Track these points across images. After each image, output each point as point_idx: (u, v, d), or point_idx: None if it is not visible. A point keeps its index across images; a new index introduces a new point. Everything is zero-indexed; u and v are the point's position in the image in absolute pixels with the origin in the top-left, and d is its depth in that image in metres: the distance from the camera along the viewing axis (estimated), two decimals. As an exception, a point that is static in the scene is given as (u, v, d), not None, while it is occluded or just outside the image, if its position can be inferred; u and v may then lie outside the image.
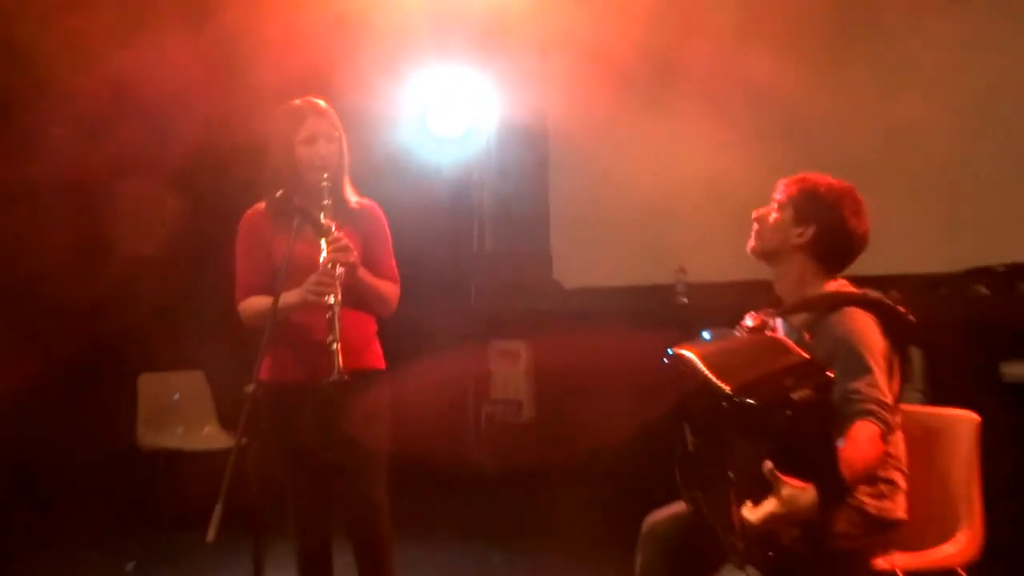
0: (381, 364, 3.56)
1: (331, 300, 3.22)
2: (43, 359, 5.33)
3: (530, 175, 6.91)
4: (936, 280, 4.84)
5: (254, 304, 3.41)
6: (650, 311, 5.76)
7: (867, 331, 2.63)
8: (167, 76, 5.19)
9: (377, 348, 3.58)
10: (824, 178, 2.82)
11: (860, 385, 2.54)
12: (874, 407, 2.53)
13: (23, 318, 5.34)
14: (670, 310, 5.74)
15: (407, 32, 5.87)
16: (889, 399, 2.58)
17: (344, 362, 3.23)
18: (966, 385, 4.06)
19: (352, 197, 3.53)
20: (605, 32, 5.85)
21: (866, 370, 2.56)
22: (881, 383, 2.57)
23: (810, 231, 2.75)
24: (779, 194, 2.83)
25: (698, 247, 5.67)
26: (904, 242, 4.92)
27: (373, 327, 3.57)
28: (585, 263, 6.59)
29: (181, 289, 5.55)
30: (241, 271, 3.48)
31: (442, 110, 6.48)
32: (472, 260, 6.98)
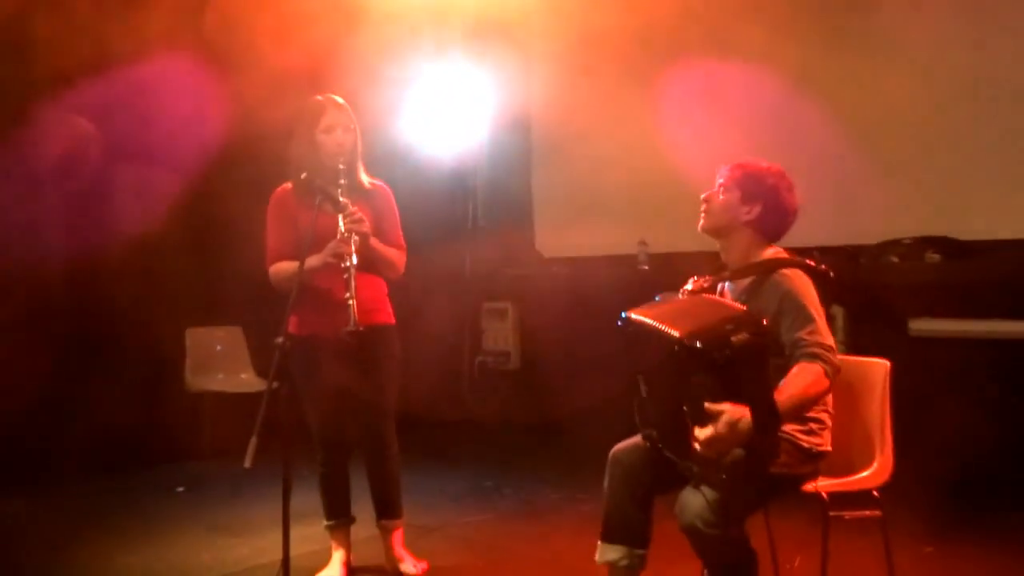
0: (392, 320, 3.58)
1: (347, 263, 3.23)
2: (109, 317, 5.30)
3: (516, 164, 6.90)
4: (856, 251, 4.85)
5: (282, 268, 3.41)
6: (616, 276, 5.76)
7: (807, 287, 2.64)
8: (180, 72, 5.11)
9: (388, 307, 3.59)
10: (761, 162, 2.81)
11: (803, 334, 2.55)
12: (816, 350, 2.54)
13: (93, 283, 5.30)
14: (632, 276, 5.73)
15: (405, 33, 5.81)
16: (831, 342, 2.58)
17: (360, 318, 3.25)
18: (880, 337, 4.09)
19: (365, 179, 3.54)
20: (586, 33, 5.79)
21: (809, 320, 2.57)
22: (822, 329, 2.58)
23: (756, 209, 2.75)
24: (723, 178, 2.82)
25: (657, 223, 5.66)
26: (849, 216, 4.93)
27: (385, 289, 3.58)
28: (562, 236, 6.58)
29: (222, 259, 5.52)
30: (271, 241, 3.48)
31: (442, 110, 6.42)
32: (467, 235, 6.98)
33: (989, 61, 4.75)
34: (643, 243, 5.82)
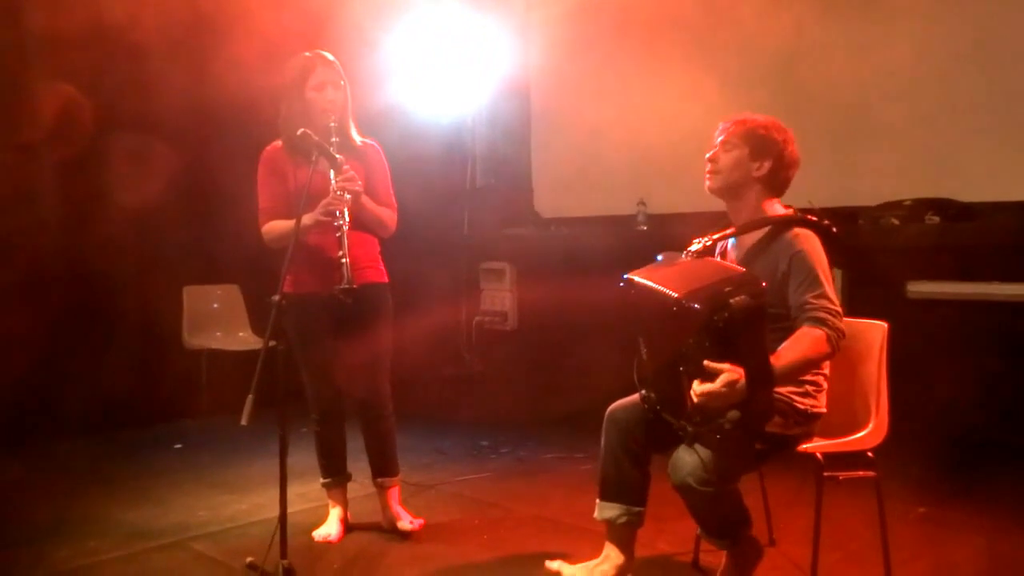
0: (385, 278, 3.57)
1: (340, 221, 3.22)
2: (107, 278, 5.29)
3: (515, 122, 6.84)
4: (855, 212, 4.81)
5: (275, 227, 3.40)
6: (614, 237, 5.74)
7: (817, 249, 2.64)
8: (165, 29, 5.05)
9: (381, 265, 3.57)
10: (758, 117, 2.78)
11: (810, 297, 2.56)
12: (822, 315, 2.54)
13: (91, 246, 5.28)
14: (631, 236, 5.71)
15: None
16: (838, 306, 2.58)
17: (353, 277, 3.23)
18: (878, 299, 4.06)
19: (357, 137, 3.51)
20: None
21: (817, 283, 2.58)
22: (830, 293, 2.59)
23: (767, 164, 2.73)
24: (725, 135, 2.77)
25: (656, 184, 5.63)
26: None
27: (377, 247, 3.57)
28: (560, 196, 6.55)
29: (219, 217, 5.50)
30: (263, 199, 3.46)
31: (440, 74, 6.34)
32: (465, 194, 6.93)
33: (989, 24, 4.69)
34: (642, 203, 5.78)
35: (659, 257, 2.78)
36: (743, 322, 2.32)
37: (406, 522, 3.57)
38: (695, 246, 2.79)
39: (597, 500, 2.88)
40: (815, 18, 5.10)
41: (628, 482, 2.81)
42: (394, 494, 3.64)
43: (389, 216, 3.53)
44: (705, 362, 2.32)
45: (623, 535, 2.86)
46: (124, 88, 5.22)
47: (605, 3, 5.71)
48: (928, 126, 4.84)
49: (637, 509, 2.82)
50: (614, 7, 5.72)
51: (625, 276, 2.62)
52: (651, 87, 5.66)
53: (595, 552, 2.92)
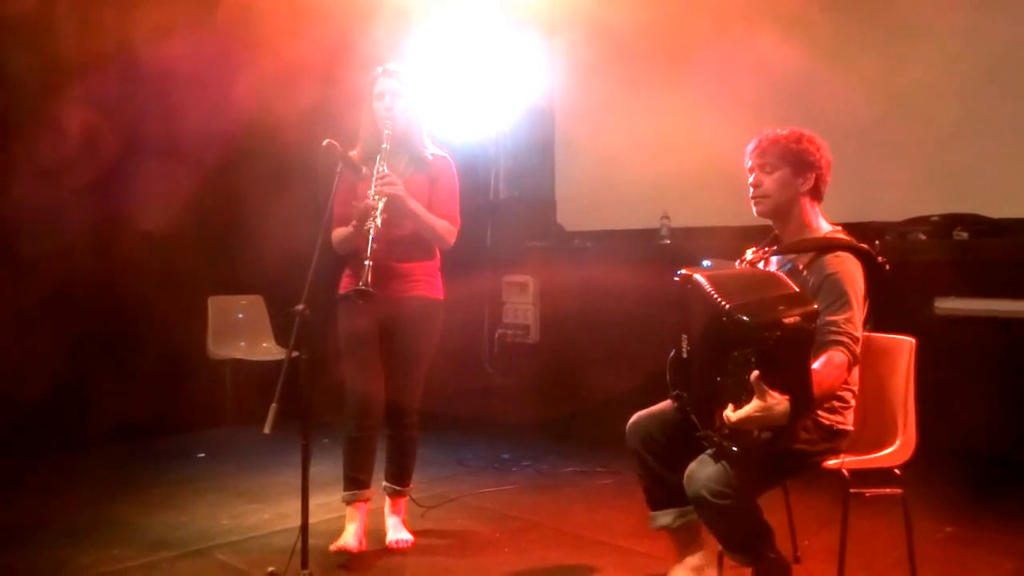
0: (437, 295, 3.59)
1: (368, 226, 3.26)
2: (134, 289, 5.34)
3: (538, 136, 6.84)
4: (882, 227, 4.77)
5: (338, 234, 3.50)
6: (638, 250, 5.72)
7: (854, 273, 2.61)
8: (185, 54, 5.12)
9: (437, 281, 3.60)
10: (784, 131, 2.74)
11: (839, 319, 2.53)
12: (847, 340, 2.52)
13: (118, 258, 5.34)
14: (654, 250, 5.69)
15: (425, 19, 5.82)
16: (860, 335, 2.56)
17: (408, 289, 3.42)
18: (905, 316, 4.01)
19: (430, 147, 3.56)
20: (607, 20, 5.79)
21: (847, 307, 2.54)
22: (856, 320, 2.56)
23: (812, 176, 2.72)
24: (761, 158, 2.74)
25: (680, 198, 5.61)
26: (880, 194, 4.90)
27: (436, 262, 3.61)
28: (584, 209, 6.54)
29: (243, 230, 5.54)
30: (335, 206, 3.51)
31: (465, 85, 6.36)
32: (488, 206, 6.93)
33: (1014, 39, 4.65)
34: (666, 217, 5.76)
35: (706, 263, 2.74)
36: (793, 344, 2.26)
37: (393, 539, 3.56)
38: (750, 255, 2.77)
39: (650, 512, 2.86)
40: (834, 38, 5.09)
41: (670, 486, 2.78)
42: (399, 505, 3.64)
43: (445, 228, 3.51)
44: (755, 373, 2.25)
45: (684, 536, 2.83)
46: (148, 112, 5.30)
47: (627, 26, 5.73)
48: (956, 142, 4.80)
49: (689, 507, 2.74)
50: (635, 30, 5.74)
51: (682, 271, 2.59)
52: (674, 103, 5.65)
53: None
